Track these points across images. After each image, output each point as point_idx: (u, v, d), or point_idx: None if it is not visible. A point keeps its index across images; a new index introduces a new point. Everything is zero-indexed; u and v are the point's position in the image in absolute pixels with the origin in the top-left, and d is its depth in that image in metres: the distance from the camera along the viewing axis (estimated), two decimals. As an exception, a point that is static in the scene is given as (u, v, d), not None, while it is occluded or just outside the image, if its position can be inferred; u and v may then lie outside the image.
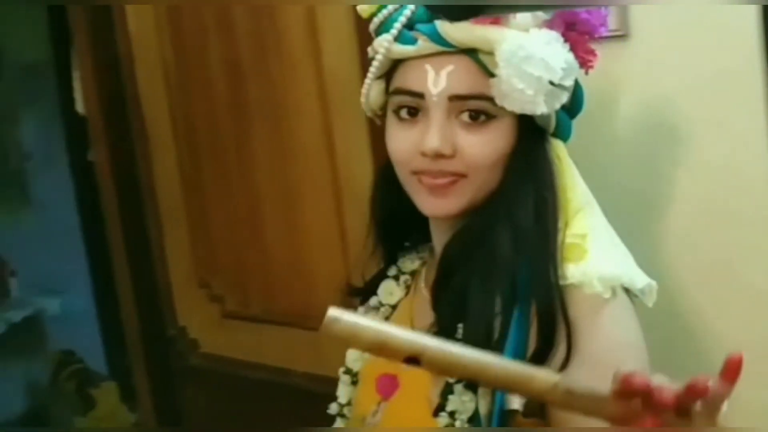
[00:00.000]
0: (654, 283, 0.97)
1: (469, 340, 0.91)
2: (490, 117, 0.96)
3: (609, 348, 0.91)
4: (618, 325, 0.93)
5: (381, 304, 1.15)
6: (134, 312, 2.04)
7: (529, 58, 0.91)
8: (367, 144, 1.51)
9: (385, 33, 0.99)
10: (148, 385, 2.09)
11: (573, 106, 1.01)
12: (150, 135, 1.95)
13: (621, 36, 1.20)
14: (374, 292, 1.15)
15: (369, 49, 1.05)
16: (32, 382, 3.23)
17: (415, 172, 0.98)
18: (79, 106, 2.06)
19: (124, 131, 1.98)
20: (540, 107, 0.93)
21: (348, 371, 1.15)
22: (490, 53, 0.93)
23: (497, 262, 0.95)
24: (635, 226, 1.21)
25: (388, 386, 1.05)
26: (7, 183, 2.99)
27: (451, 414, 0.94)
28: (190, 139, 1.87)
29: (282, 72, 1.63)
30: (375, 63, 1.01)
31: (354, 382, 1.14)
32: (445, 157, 0.95)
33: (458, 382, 0.95)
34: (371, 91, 1.05)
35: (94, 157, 2.09)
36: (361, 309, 1.19)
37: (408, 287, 1.14)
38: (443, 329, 0.95)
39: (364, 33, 1.42)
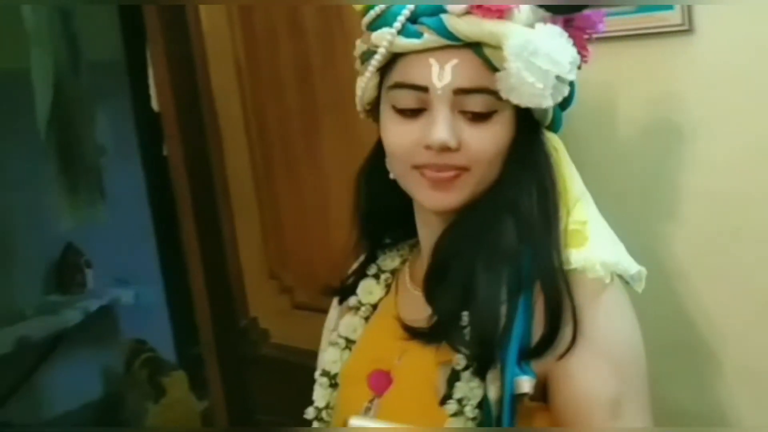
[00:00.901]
0: (644, 269, 1.01)
1: (477, 327, 0.93)
2: (491, 111, 0.97)
3: (611, 331, 0.96)
4: (618, 308, 0.97)
5: (361, 304, 1.14)
6: (206, 303, 2.09)
7: (537, 52, 0.91)
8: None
9: (385, 27, 0.98)
10: (218, 374, 2.13)
11: (567, 99, 1.01)
12: (222, 130, 1.99)
13: (685, 31, 1.20)
14: (353, 292, 1.16)
15: (358, 43, 1.04)
16: (107, 369, 3.33)
17: (417, 167, 0.98)
18: (154, 103, 2.12)
19: (197, 126, 2.03)
20: (547, 101, 0.94)
21: (325, 374, 1.15)
22: (496, 47, 0.93)
23: (502, 249, 0.96)
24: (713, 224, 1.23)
25: (381, 382, 1.05)
26: (83, 178, 3.08)
27: (459, 401, 0.95)
28: (261, 134, 1.91)
29: (349, 69, 1.66)
30: (377, 56, 0.99)
31: (333, 385, 1.14)
32: (449, 150, 0.96)
33: (465, 368, 0.95)
34: (360, 88, 1.06)
35: (168, 151, 2.14)
36: (337, 309, 1.19)
37: (388, 286, 1.14)
38: (445, 320, 0.96)
39: None
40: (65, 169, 3.01)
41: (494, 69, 0.94)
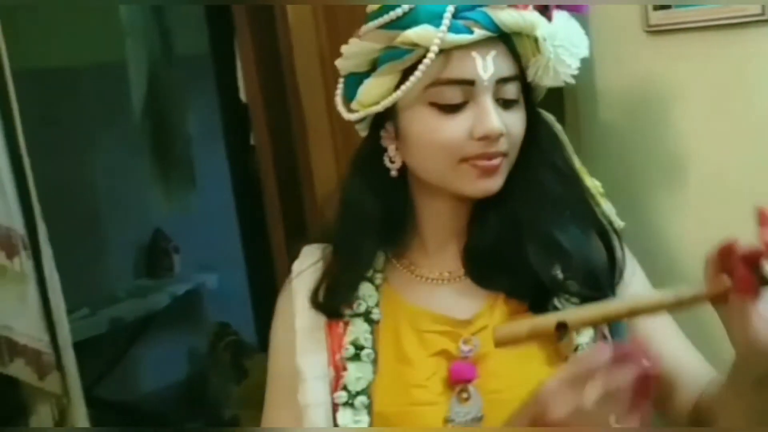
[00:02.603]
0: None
1: (583, 272, 1.02)
2: (518, 97, 1.03)
3: (641, 274, 1.10)
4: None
5: (369, 308, 1.06)
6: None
7: (567, 36, 1.01)
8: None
9: (422, 25, 0.98)
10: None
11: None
12: (308, 121, 2.06)
13: (765, 21, 1.19)
14: (349, 298, 1.06)
15: (357, 42, 1.03)
16: (193, 350, 3.45)
17: (465, 159, 1.00)
18: (242, 94, 2.20)
19: (283, 117, 2.09)
20: (571, 79, 1.03)
21: (348, 392, 1.02)
22: (528, 36, 1.00)
23: (555, 210, 1.04)
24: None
25: (466, 370, 1.01)
26: (175, 166, 3.21)
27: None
28: (345, 126, 1.97)
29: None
30: (430, 56, 0.97)
31: (350, 404, 1.02)
32: (498, 138, 1.00)
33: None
34: (370, 88, 1.03)
35: (255, 141, 2.22)
36: (311, 311, 1.07)
37: (377, 287, 1.08)
38: (548, 279, 1.01)
39: None
40: (158, 158, 3.14)
41: (517, 57, 1.01)
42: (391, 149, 1.05)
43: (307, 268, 1.10)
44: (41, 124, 2.01)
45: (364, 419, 0.99)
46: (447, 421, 0.99)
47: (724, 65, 1.25)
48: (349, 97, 1.07)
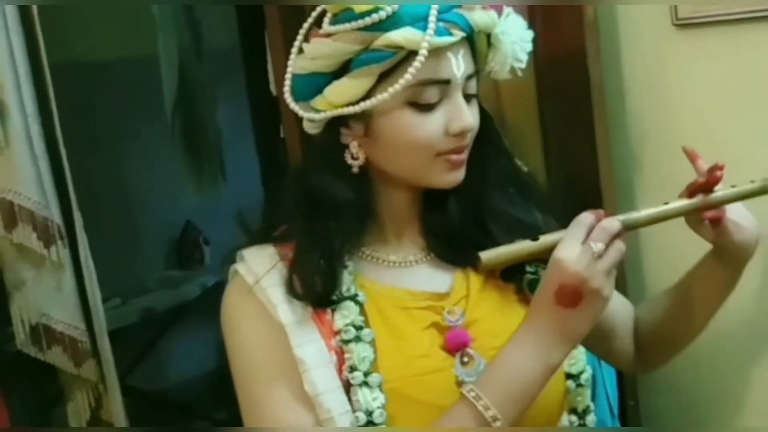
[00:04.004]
0: None
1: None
2: (477, 92, 1.08)
3: None
4: None
5: (354, 292, 1.06)
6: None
7: (519, 32, 1.08)
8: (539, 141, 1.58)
9: (405, 27, 0.99)
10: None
11: None
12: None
13: None
14: (336, 288, 1.06)
15: (331, 42, 1.00)
16: (222, 341, 3.50)
17: (440, 153, 1.04)
18: (272, 87, 2.23)
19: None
20: (521, 72, 1.10)
21: (360, 371, 1.02)
22: (486, 34, 1.06)
23: (504, 181, 1.12)
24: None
25: (459, 338, 1.06)
26: (206, 158, 3.25)
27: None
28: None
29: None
30: (420, 59, 0.98)
31: (366, 383, 1.02)
32: (468, 133, 1.05)
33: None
34: (342, 89, 1.02)
35: (285, 133, 2.25)
36: (291, 303, 1.04)
37: (351, 273, 1.08)
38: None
39: (536, 36, 1.50)
40: (189, 151, 3.18)
41: (475, 54, 1.07)
42: (353, 146, 1.06)
43: (272, 267, 1.06)
44: (76, 116, 2.05)
45: (379, 396, 1.00)
46: (459, 383, 1.02)
47: (753, 58, 1.25)
48: (306, 96, 1.06)
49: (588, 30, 1.38)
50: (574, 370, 1.08)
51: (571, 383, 1.08)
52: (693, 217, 1.09)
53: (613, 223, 0.97)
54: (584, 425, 1.09)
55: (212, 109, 3.26)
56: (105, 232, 2.24)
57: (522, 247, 1.00)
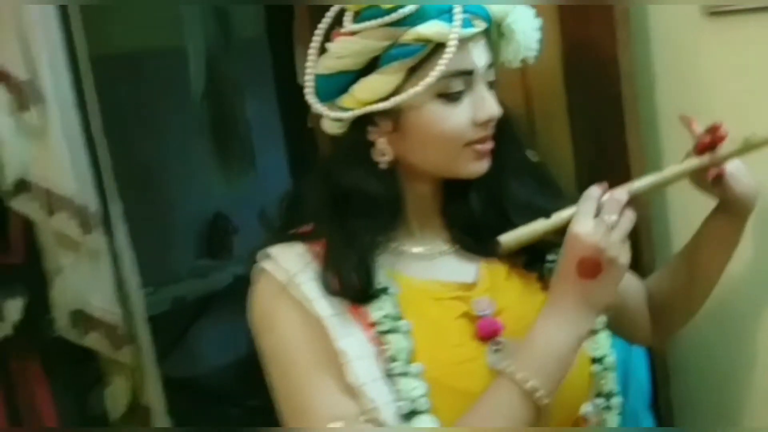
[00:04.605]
0: None
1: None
2: (495, 80, 1.09)
3: None
4: None
5: (386, 285, 1.07)
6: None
7: (531, 21, 1.11)
8: (568, 131, 1.58)
9: (423, 22, 1.01)
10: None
11: None
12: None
13: None
14: (373, 281, 1.07)
15: (358, 40, 1.02)
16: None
17: (468, 143, 1.06)
18: (299, 77, 2.25)
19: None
20: (533, 60, 1.13)
21: (403, 361, 1.03)
22: (497, 24, 1.08)
23: (522, 169, 1.14)
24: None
25: (490, 326, 1.08)
26: (232, 149, 3.28)
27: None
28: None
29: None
30: (451, 50, 1.00)
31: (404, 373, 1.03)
32: (494, 121, 1.07)
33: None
34: (372, 85, 1.03)
35: (313, 123, 2.27)
36: (325, 297, 1.05)
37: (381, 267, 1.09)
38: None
39: (566, 25, 1.52)
40: (218, 141, 3.21)
41: (490, 43, 1.09)
42: (381, 143, 1.07)
43: (305, 264, 1.07)
44: (109, 106, 2.08)
45: (420, 385, 1.02)
46: (491, 371, 1.04)
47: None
48: (331, 96, 1.07)
49: (618, 19, 1.38)
50: (598, 354, 1.11)
51: (596, 367, 1.10)
52: (696, 176, 1.15)
53: (622, 193, 1.01)
54: (609, 408, 1.11)
55: (240, 99, 3.29)
56: (137, 222, 2.26)
57: (537, 225, 1.03)
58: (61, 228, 1.75)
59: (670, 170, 1.10)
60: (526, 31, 1.10)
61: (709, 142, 1.10)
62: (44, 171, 1.71)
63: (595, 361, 1.11)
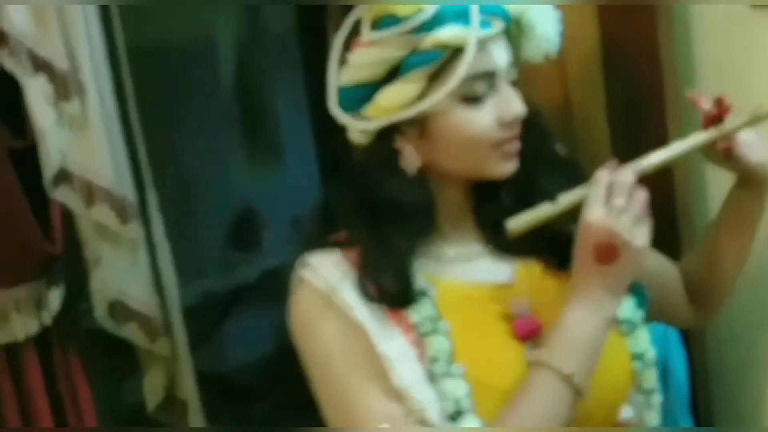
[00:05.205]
0: None
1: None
2: (517, 77, 1.09)
3: None
4: None
5: (423, 288, 1.09)
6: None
7: (550, 13, 1.10)
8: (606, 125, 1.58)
9: (440, 27, 1.01)
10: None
11: None
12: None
13: None
14: (412, 286, 1.08)
15: (378, 50, 1.02)
16: (281, 324, 3.53)
17: (495, 145, 1.06)
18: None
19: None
20: (555, 54, 1.12)
21: (445, 360, 1.04)
22: (518, 21, 1.08)
23: (552, 167, 1.14)
24: None
25: (529, 324, 1.08)
26: (261, 142, 3.29)
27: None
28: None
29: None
30: (471, 53, 1.00)
31: (448, 374, 1.05)
32: (520, 121, 1.07)
33: None
34: (395, 94, 1.04)
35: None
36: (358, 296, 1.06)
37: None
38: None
39: (603, 16, 1.50)
40: (247, 135, 3.22)
41: (509, 41, 1.08)
42: (409, 150, 1.07)
43: (344, 272, 1.08)
44: (144, 98, 2.09)
45: (463, 385, 1.03)
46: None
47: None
48: (354, 106, 1.07)
49: (661, 11, 1.38)
50: (638, 350, 1.11)
51: (636, 363, 1.10)
52: (709, 151, 1.15)
53: (627, 175, 1.02)
54: (649, 406, 1.11)
55: (270, 92, 3.30)
56: (169, 214, 2.27)
57: (544, 209, 1.05)
58: (100, 219, 1.76)
59: (677, 146, 1.10)
60: (546, 25, 1.10)
61: (716, 114, 1.10)
62: (84, 161, 1.72)
63: (636, 357, 1.11)
